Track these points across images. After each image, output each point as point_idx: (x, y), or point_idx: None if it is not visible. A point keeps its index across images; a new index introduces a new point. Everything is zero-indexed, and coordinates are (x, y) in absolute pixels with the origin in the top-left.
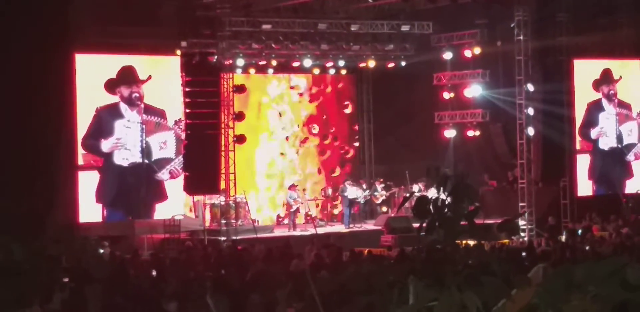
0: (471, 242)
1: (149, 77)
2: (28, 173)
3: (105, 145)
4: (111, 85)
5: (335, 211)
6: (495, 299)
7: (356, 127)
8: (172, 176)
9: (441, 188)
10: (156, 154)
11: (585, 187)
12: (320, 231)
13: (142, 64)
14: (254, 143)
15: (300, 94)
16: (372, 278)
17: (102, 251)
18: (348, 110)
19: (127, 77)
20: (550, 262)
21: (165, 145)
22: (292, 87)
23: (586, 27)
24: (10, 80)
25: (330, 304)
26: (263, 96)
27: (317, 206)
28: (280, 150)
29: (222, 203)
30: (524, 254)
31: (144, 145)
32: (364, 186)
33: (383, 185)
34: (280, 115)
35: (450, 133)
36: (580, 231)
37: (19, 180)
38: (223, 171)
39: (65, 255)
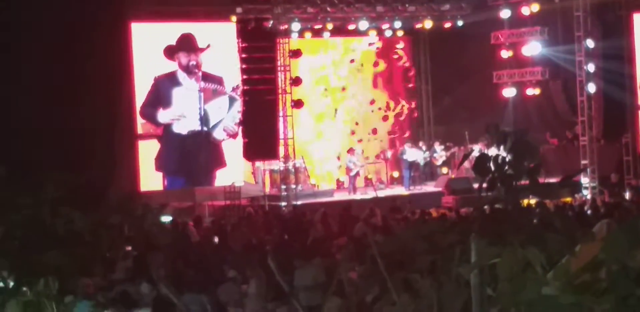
0: (533, 201)
1: (208, 46)
2: (88, 143)
3: (163, 116)
4: (170, 52)
5: (395, 174)
6: (559, 255)
7: (414, 89)
8: (228, 134)
9: (501, 145)
10: (213, 120)
11: None
12: (381, 194)
13: (198, 31)
14: (312, 107)
15: (352, 60)
16: (434, 238)
17: (164, 218)
18: (406, 72)
19: (186, 44)
20: (614, 218)
21: (220, 109)
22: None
23: None
24: (68, 52)
25: (392, 265)
26: (320, 60)
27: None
28: (338, 114)
29: (282, 168)
30: (588, 211)
31: (203, 113)
32: (424, 148)
33: (442, 146)
34: (339, 80)
35: (509, 92)
36: None
37: (79, 150)
38: (282, 136)
39: (127, 224)
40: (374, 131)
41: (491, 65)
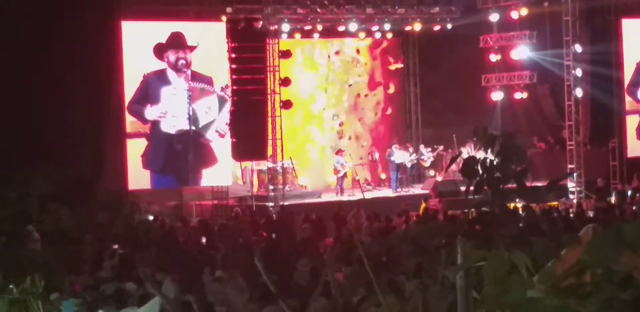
0: (520, 205)
1: (197, 45)
2: (76, 141)
3: (150, 113)
4: (160, 50)
5: (382, 176)
6: (545, 259)
7: (402, 91)
8: (220, 134)
9: (489, 148)
10: (202, 120)
11: (635, 147)
12: (368, 195)
13: (188, 30)
14: (301, 108)
15: (347, 58)
16: (420, 240)
17: (151, 217)
18: (394, 73)
19: (175, 42)
20: (600, 222)
21: (209, 109)
22: (337, 52)
23: None
24: (58, 49)
25: (378, 267)
26: (309, 61)
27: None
28: (327, 115)
29: (270, 169)
30: (572, 215)
31: (191, 112)
32: (411, 150)
33: (429, 148)
34: (327, 80)
35: (497, 95)
36: (629, 192)
37: (67, 147)
38: (270, 136)
39: (114, 222)
40: (362, 132)
41: (479, 68)
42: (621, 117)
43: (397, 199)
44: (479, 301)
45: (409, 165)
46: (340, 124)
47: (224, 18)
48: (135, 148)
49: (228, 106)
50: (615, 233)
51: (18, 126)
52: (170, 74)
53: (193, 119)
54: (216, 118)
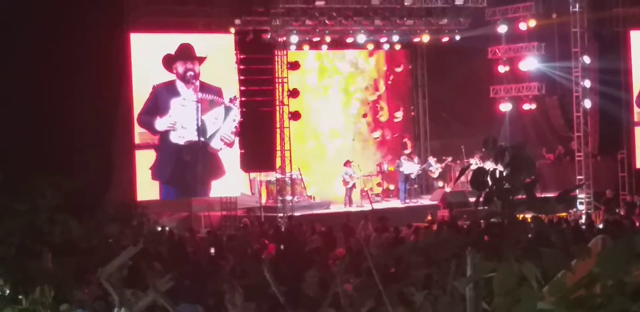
0: (529, 216)
1: (206, 56)
2: (85, 152)
3: (160, 124)
4: (168, 61)
5: (391, 187)
6: (555, 270)
7: (411, 102)
8: (225, 143)
9: (498, 160)
10: (210, 131)
11: None
12: (377, 206)
13: (196, 42)
14: (309, 120)
15: (355, 70)
16: (430, 251)
17: (159, 228)
18: (402, 84)
19: (184, 53)
20: (609, 233)
21: (216, 119)
22: (345, 64)
23: None
24: (67, 61)
25: (387, 278)
26: (317, 72)
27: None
28: (335, 126)
29: (278, 180)
30: (583, 227)
31: (200, 123)
32: (416, 161)
33: (435, 159)
34: (335, 91)
35: (506, 107)
36: (638, 203)
37: (76, 159)
38: (278, 147)
39: (123, 233)
40: (370, 143)
41: (488, 79)
42: (630, 128)
43: (406, 210)
44: None
45: (413, 176)
46: (349, 135)
47: (232, 30)
48: (144, 159)
49: (232, 114)
50: (625, 245)
51: (27, 138)
52: (179, 85)
53: (202, 130)
54: (221, 126)
